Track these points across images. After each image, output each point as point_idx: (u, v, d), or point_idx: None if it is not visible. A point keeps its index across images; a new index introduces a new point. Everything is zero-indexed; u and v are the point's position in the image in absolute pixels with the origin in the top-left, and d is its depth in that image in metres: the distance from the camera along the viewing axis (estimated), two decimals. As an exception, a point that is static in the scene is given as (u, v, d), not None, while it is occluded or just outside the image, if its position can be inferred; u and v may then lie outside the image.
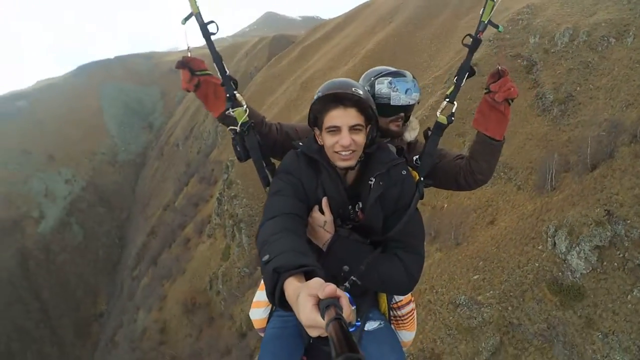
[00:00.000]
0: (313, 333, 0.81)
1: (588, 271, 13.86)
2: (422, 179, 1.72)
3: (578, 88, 23.88)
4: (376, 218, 1.54)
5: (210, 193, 52.00)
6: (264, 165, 1.76)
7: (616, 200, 14.54)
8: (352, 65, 44.80)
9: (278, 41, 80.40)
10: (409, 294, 1.89)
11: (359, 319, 1.62)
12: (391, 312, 1.86)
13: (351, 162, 1.50)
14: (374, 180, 1.53)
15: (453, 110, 1.79)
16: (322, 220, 1.53)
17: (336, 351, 0.64)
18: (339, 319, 0.72)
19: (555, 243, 14.98)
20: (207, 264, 41.55)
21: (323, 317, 0.76)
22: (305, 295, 0.83)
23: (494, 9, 1.66)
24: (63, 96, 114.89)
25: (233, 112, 1.73)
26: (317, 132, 1.56)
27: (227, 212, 40.03)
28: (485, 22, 1.70)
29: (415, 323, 1.97)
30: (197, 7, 1.71)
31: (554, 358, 13.58)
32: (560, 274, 14.51)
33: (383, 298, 1.82)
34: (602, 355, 12.72)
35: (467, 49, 1.74)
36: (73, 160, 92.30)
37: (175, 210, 59.89)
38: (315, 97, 1.51)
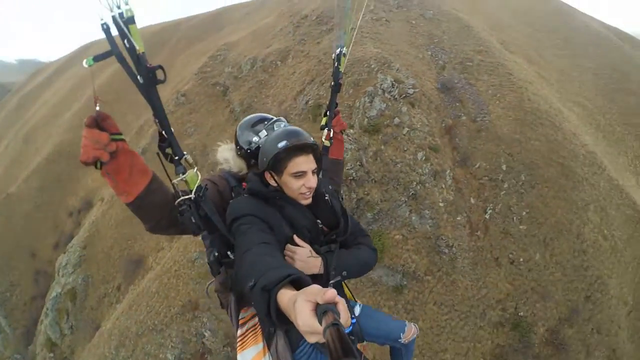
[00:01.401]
0: (311, 339, 0.81)
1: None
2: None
3: (255, 99, 34.25)
4: (346, 223, 1.82)
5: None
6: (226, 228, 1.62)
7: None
8: (77, 109, 43.23)
9: (-8, 91, 65.93)
10: None
11: (353, 316, 1.84)
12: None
13: (310, 200, 1.74)
14: (328, 197, 1.81)
15: (331, 135, 2.32)
16: (307, 251, 1.66)
17: (333, 357, 0.64)
18: (336, 324, 0.71)
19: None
20: (-31, 379, 32.64)
21: (320, 323, 0.76)
22: (303, 301, 0.83)
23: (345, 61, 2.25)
24: None
25: (184, 178, 1.52)
26: (268, 175, 1.70)
27: (-31, 300, 32.83)
28: (342, 71, 2.24)
29: None
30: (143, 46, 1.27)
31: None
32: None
33: (345, 286, 2.15)
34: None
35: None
36: None
37: None
38: (280, 145, 1.61)
